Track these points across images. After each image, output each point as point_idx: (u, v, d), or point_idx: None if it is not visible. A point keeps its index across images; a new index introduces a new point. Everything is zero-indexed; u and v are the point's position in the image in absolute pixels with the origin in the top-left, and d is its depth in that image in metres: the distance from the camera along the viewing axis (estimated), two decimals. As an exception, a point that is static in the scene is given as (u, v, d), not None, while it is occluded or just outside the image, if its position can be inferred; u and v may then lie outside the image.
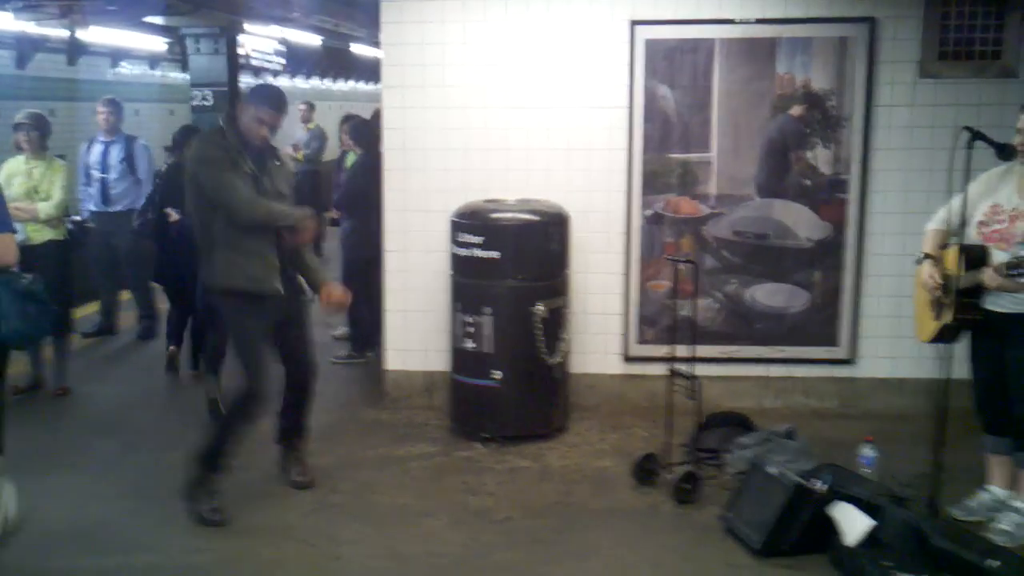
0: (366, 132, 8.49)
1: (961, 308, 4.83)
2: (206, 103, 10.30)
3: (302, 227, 5.33)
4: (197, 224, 5.36)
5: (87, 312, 9.48)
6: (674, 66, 6.73)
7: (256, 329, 5.33)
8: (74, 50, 12.99)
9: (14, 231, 4.58)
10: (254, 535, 5.14)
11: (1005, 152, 4.77)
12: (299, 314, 5.60)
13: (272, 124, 5.31)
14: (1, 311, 4.35)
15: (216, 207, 5.18)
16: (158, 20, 11.26)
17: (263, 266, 5.26)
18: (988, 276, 4.63)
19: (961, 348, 5.02)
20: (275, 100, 5.36)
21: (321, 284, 5.58)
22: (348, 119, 9.20)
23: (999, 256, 4.75)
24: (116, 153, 8.80)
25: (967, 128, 4.67)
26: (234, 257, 5.23)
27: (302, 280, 5.59)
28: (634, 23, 6.70)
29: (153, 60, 15.29)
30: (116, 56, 14.30)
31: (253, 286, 5.25)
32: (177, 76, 15.72)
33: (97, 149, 8.86)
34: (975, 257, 4.83)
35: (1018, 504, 5.00)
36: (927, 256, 5.10)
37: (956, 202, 4.89)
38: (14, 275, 4.46)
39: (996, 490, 5.21)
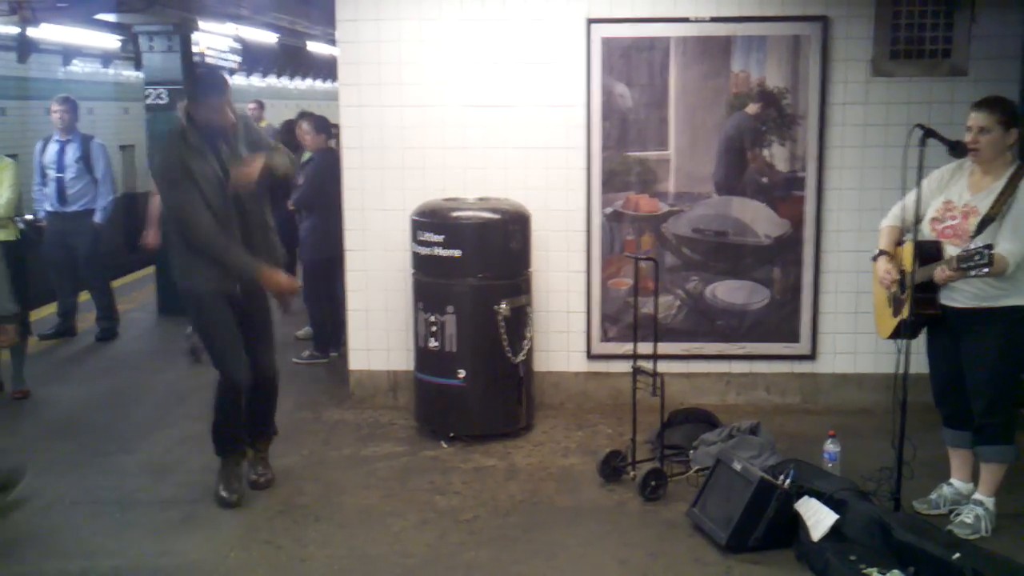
0: (324, 130, 8.45)
1: (918, 304, 4.88)
2: (160, 101, 10.19)
3: (269, 287, 5.42)
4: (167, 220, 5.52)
5: (45, 314, 9.39)
6: (631, 64, 6.77)
7: (220, 320, 5.37)
8: (24, 47, 12.82)
9: None
10: (219, 537, 5.12)
11: (957, 149, 4.84)
12: (260, 315, 5.59)
13: (228, 105, 5.32)
14: None
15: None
16: (110, 17, 11.10)
17: (221, 269, 5.27)
18: (939, 271, 4.70)
19: (919, 342, 5.09)
20: (219, 84, 5.39)
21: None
22: (304, 116, 9.14)
23: (953, 252, 4.82)
24: (72, 152, 8.69)
25: (920, 126, 4.75)
26: (192, 258, 5.27)
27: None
28: (591, 21, 6.73)
29: (106, 58, 15.11)
30: (68, 54, 14.13)
31: (211, 287, 5.28)
32: (131, 74, 15.54)
33: (53, 148, 8.75)
34: (930, 253, 4.90)
35: (979, 497, 5.07)
36: (882, 252, 5.16)
37: (910, 199, 4.96)
38: None
39: (957, 483, 5.29)
